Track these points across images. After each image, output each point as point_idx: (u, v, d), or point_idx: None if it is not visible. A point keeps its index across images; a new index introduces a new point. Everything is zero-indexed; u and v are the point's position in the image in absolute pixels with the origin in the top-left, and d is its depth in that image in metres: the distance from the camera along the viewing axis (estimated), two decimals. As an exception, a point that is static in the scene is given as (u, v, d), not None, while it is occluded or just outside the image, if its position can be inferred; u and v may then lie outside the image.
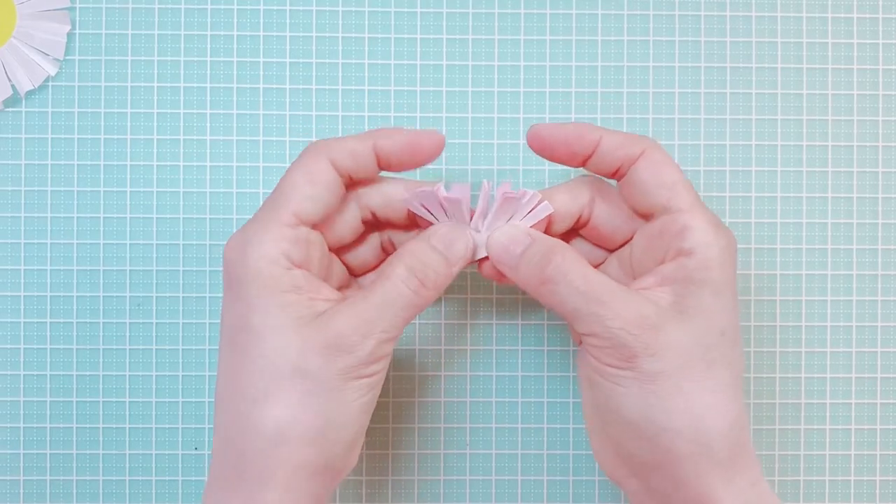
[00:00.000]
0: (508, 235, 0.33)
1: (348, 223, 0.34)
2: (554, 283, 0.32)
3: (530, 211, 0.34)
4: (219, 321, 0.40)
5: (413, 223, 0.35)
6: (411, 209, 0.34)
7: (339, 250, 0.35)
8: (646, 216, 0.34)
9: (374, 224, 0.36)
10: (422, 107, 0.40)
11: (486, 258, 0.34)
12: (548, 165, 0.40)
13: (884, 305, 0.41)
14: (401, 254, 0.33)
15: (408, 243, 0.33)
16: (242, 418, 0.31)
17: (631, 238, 0.35)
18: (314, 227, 0.33)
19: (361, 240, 0.36)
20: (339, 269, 0.35)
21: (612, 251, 0.36)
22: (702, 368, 0.31)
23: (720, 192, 0.41)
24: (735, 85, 0.41)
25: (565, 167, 0.40)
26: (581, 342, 0.34)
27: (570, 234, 0.36)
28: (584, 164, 0.34)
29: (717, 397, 0.31)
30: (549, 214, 0.34)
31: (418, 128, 0.40)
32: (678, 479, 0.32)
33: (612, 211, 0.35)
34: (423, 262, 0.32)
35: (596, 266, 0.36)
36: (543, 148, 0.34)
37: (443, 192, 0.33)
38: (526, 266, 0.32)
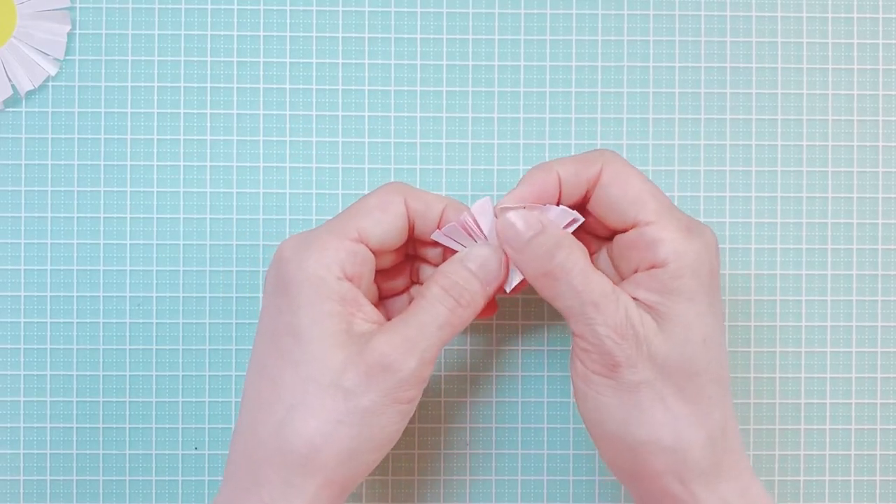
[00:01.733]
0: (521, 217, 0.33)
1: (399, 225, 0.34)
2: (554, 277, 0.32)
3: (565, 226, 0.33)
4: (218, 321, 0.40)
5: (444, 258, 0.35)
6: (441, 241, 0.34)
7: (379, 266, 0.35)
8: (620, 231, 0.33)
9: (411, 256, 0.36)
10: (422, 107, 0.40)
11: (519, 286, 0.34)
12: (548, 165, 0.40)
13: (884, 305, 0.41)
14: (436, 275, 0.33)
15: (443, 265, 0.33)
16: (276, 424, 0.31)
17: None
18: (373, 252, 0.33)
19: (398, 268, 0.36)
20: (374, 292, 0.35)
21: (609, 239, 0.35)
22: (683, 378, 0.31)
23: (720, 192, 0.41)
24: (735, 85, 0.41)
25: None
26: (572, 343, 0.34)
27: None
28: (557, 204, 0.33)
29: (698, 408, 0.31)
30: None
31: (418, 129, 0.40)
32: (659, 488, 0.32)
33: (619, 190, 0.33)
34: (457, 281, 0.32)
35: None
36: None
37: (468, 218, 0.33)
38: (531, 253, 0.32)
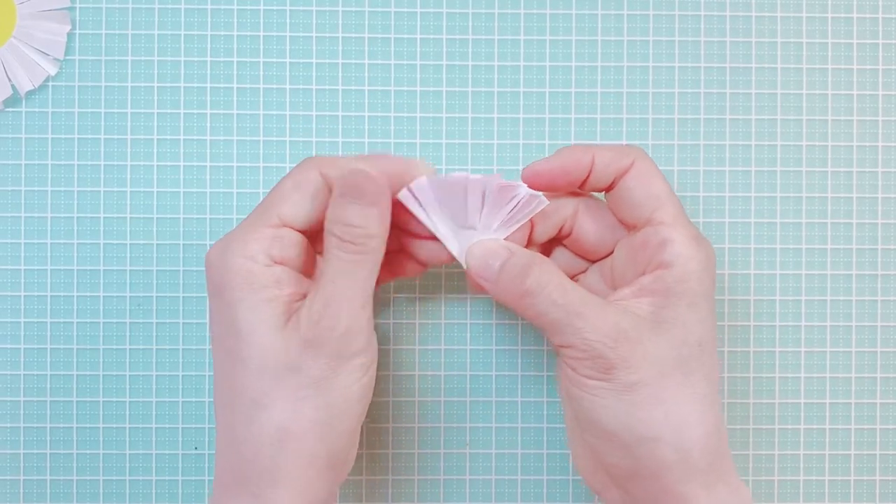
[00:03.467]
0: (487, 249, 0.33)
1: (310, 201, 0.33)
2: (532, 296, 0.32)
3: (520, 205, 0.34)
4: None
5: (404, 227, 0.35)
6: (403, 202, 0.34)
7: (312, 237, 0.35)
8: (630, 227, 0.34)
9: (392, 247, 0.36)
10: (422, 107, 0.40)
11: None
12: (548, 165, 0.40)
13: (884, 305, 0.41)
14: (326, 225, 0.32)
15: (327, 211, 0.32)
16: (244, 420, 0.31)
17: (612, 251, 0.35)
18: (303, 234, 0.33)
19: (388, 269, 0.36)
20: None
21: (593, 262, 0.36)
22: (679, 379, 0.32)
23: (720, 192, 0.41)
24: (735, 85, 0.41)
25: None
26: (558, 354, 0.34)
27: (552, 244, 0.37)
28: (581, 187, 0.34)
29: (696, 407, 0.32)
30: (537, 214, 0.34)
31: (418, 129, 0.40)
32: (659, 488, 0.32)
33: (596, 224, 0.35)
34: (344, 222, 0.32)
35: (576, 276, 0.37)
36: (542, 184, 0.34)
37: (436, 177, 0.33)
38: (505, 279, 0.33)
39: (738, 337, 0.41)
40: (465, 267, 0.34)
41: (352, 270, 0.32)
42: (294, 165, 0.34)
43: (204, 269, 0.33)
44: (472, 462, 0.41)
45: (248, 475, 0.31)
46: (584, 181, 0.34)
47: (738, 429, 0.41)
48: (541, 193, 0.34)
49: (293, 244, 0.33)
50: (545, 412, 0.41)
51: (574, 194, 0.35)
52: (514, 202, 0.34)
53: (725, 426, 0.33)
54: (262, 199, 0.33)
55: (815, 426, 0.41)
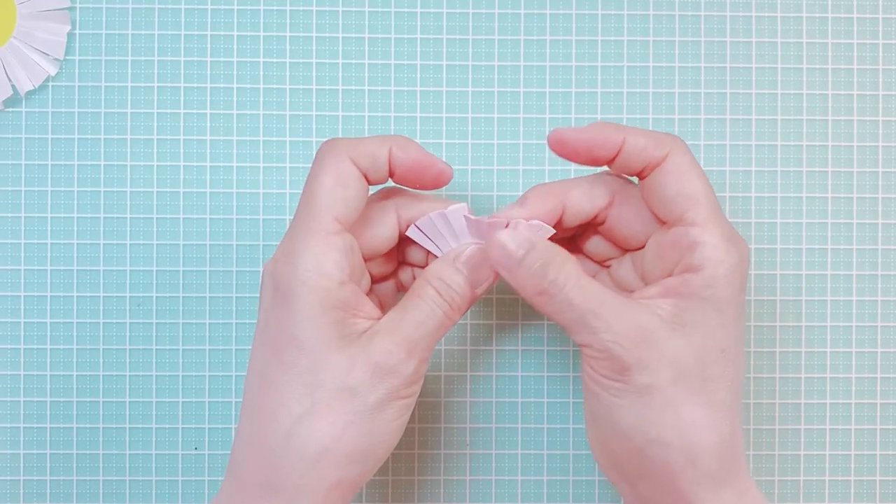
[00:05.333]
0: (510, 238, 0.33)
1: (389, 236, 0.34)
2: (549, 294, 0.32)
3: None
4: (218, 321, 0.40)
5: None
6: (412, 237, 0.34)
7: (369, 259, 0.35)
8: (662, 222, 0.33)
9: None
10: (422, 107, 0.40)
11: None
12: (547, 165, 0.40)
13: (884, 305, 0.41)
14: (428, 276, 0.33)
15: (434, 265, 0.34)
16: (284, 433, 0.31)
17: (644, 244, 0.35)
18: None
19: (389, 253, 0.36)
20: (367, 279, 0.35)
21: (628, 251, 0.36)
22: (697, 384, 0.31)
23: (720, 192, 0.41)
24: (735, 85, 0.41)
25: (564, 168, 0.40)
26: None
27: (588, 231, 0.36)
28: (607, 164, 0.33)
29: (710, 413, 0.31)
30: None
31: (418, 129, 0.40)
32: (666, 490, 0.32)
33: (631, 215, 0.34)
34: (450, 286, 0.33)
35: (609, 262, 0.36)
36: (566, 152, 0.33)
37: (460, 211, 0.33)
38: (524, 272, 0.32)
39: (739, 337, 0.41)
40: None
41: (437, 325, 0.32)
42: (318, 154, 0.33)
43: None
44: (472, 462, 0.41)
45: (274, 486, 0.31)
46: (611, 161, 0.33)
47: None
48: (544, 225, 0.33)
49: (356, 251, 0.33)
50: (545, 412, 0.41)
51: (611, 183, 0.34)
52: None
53: (741, 429, 0.33)
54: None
55: (815, 426, 0.41)
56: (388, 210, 0.34)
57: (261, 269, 0.40)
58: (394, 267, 0.36)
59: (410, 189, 0.35)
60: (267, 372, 0.32)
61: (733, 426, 0.32)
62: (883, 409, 0.41)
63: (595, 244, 0.36)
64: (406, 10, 0.41)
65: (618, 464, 0.33)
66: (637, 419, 0.31)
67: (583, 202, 0.34)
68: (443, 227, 0.34)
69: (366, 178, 0.33)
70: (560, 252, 0.33)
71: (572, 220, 0.34)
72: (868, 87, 0.41)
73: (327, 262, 0.31)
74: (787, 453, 0.41)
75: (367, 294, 0.35)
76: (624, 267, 0.36)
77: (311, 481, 0.31)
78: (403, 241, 0.36)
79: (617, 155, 0.33)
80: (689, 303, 0.31)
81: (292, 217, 0.33)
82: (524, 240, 0.33)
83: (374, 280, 0.36)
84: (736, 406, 0.32)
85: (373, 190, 0.34)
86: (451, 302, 0.33)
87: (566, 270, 0.32)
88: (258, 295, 0.33)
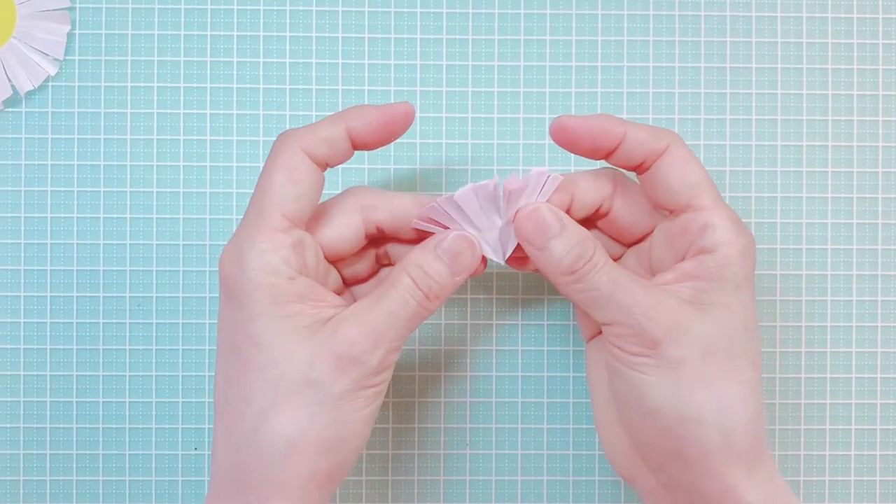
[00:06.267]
0: (541, 218, 0.32)
1: (351, 238, 0.34)
2: (579, 275, 0.32)
3: (541, 190, 0.33)
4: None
5: (419, 239, 0.35)
6: (420, 228, 0.34)
7: (335, 261, 0.35)
8: (667, 212, 0.34)
9: (377, 238, 0.35)
10: (421, 107, 0.40)
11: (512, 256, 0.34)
12: (547, 165, 0.40)
13: (884, 305, 0.41)
14: (406, 264, 0.32)
15: (413, 252, 0.33)
16: (249, 430, 0.31)
17: (648, 233, 0.35)
18: (304, 227, 0.33)
19: (359, 253, 0.35)
20: (335, 277, 0.35)
21: (628, 245, 0.36)
22: (725, 360, 0.31)
23: (720, 192, 0.41)
24: (735, 85, 0.41)
25: (564, 168, 0.40)
26: (594, 336, 0.34)
27: (587, 225, 0.36)
28: (606, 157, 0.33)
29: (740, 389, 0.31)
30: (560, 185, 0.33)
31: (418, 129, 0.40)
32: (699, 470, 0.31)
33: (633, 206, 0.34)
34: (427, 273, 0.32)
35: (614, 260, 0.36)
36: (567, 141, 0.33)
37: (444, 199, 0.33)
38: (554, 253, 0.32)
39: (739, 337, 0.41)
40: (500, 258, 0.34)
41: (411, 315, 0.32)
42: (273, 148, 0.32)
43: (215, 269, 0.32)
44: (472, 462, 0.41)
45: (247, 482, 0.31)
46: (611, 154, 0.33)
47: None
48: (551, 174, 0.33)
49: (306, 246, 0.32)
50: (545, 412, 0.41)
51: (612, 174, 0.34)
52: (530, 192, 0.33)
53: (764, 413, 0.33)
54: (253, 194, 0.32)
55: (815, 426, 0.41)
56: (351, 212, 0.34)
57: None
58: (370, 267, 0.36)
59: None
60: (228, 372, 0.31)
61: (759, 404, 0.32)
62: (883, 410, 0.41)
63: (623, 213, 0.35)
64: (406, 10, 0.41)
65: (644, 449, 0.33)
66: (669, 396, 0.31)
67: (589, 191, 0.34)
68: (453, 212, 0.33)
69: (326, 164, 0.32)
70: (588, 234, 0.33)
71: (579, 211, 0.34)
72: (868, 87, 0.41)
73: (274, 259, 0.31)
74: (787, 453, 0.41)
75: (342, 294, 0.35)
76: (629, 262, 0.36)
77: (283, 475, 0.30)
78: (387, 240, 0.35)
79: (618, 147, 0.33)
80: (707, 283, 0.32)
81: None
82: (555, 219, 0.32)
83: (350, 282, 0.36)
84: (759, 386, 0.32)
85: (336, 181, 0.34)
86: (428, 291, 0.32)
87: (599, 251, 0.32)
88: None
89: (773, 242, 0.41)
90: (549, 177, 0.33)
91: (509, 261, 0.34)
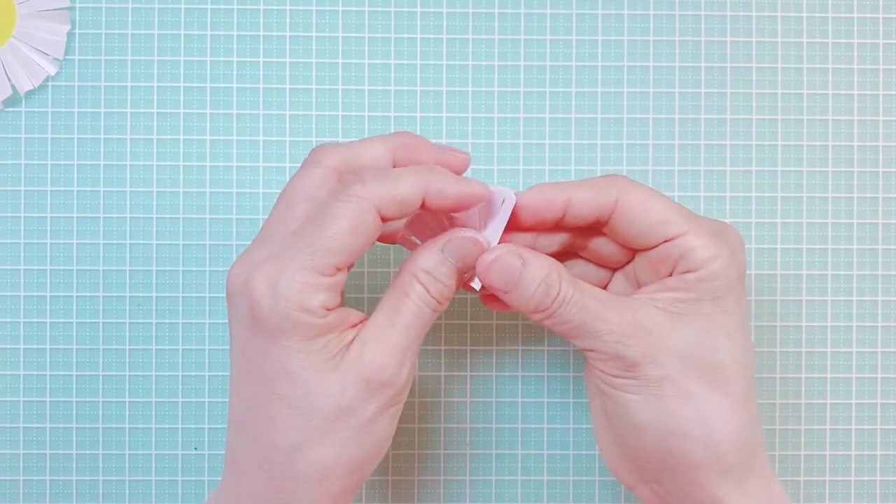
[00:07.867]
0: (501, 261, 0.32)
1: (369, 245, 0.32)
2: (549, 311, 0.31)
3: (499, 213, 0.32)
4: (218, 321, 0.40)
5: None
6: (404, 244, 0.34)
7: None
8: (644, 250, 0.33)
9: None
10: (422, 107, 0.40)
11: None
12: (547, 165, 0.40)
13: (884, 305, 0.41)
14: (414, 269, 0.31)
15: (419, 256, 0.32)
16: (283, 459, 0.31)
17: (632, 257, 0.34)
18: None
19: None
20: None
21: (614, 270, 0.36)
22: (708, 370, 0.31)
23: (720, 192, 0.41)
24: (735, 85, 0.41)
25: (564, 168, 0.40)
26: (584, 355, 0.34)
27: (568, 257, 0.36)
28: (555, 229, 0.33)
29: (727, 401, 0.31)
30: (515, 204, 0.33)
31: (418, 129, 0.40)
32: (689, 484, 0.32)
33: (631, 220, 0.33)
34: (437, 278, 0.31)
35: (601, 286, 0.36)
36: (521, 218, 0.33)
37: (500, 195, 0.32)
38: (523, 289, 0.32)
39: (739, 337, 0.41)
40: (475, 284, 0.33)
41: (426, 322, 0.31)
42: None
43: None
44: (472, 462, 0.41)
45: (280, 502, 0.31)
46: (560, 220, 0.33)
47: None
48: (505, 190, 0.32)
49: (344, 277, 0.31)
50: (545, 412, 0.41)
51: (609, 183, 0.33)
52: (496, 212, 0.33)
53: (759, 421, 0.33)
54: (263, 199, 0.31)
55: (815, 426, 0.41)
56: (361, 208, 0.31)
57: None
58: None
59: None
60: (256, 402, 0.31)
61: (750, 415, 0.32)
62: (883, 409, 0.41)
63: (581, 270, 0.36)
64: (406, 9, 0.41)
65: (636, 464, 0.33)
66: (654, 412, 0.31)
67: (585, 200, 0.33)
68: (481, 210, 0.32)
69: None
70: (552, 263, 0.32)
71: (576, 215, 0.33)
72: (868, 87, 0.41)
73: (314, 302, 0.30)
74: (787, 453, 0.41)
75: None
76: (617, 284, 0.35)
77: (316, 496, 0.31)
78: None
79: (564, 214, 0.32)
80: (685, 294, 0.32)
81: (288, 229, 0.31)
82: (515, 258, 0.32)
83: None
84: (751, 395, 0.32)
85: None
86: (440, 297, 0.32)
87: (563, 282, 0.31)
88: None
89: (774, 242, 0.41)
90: (504, 199, 0.32)
91: (484, 299, 0.35)
